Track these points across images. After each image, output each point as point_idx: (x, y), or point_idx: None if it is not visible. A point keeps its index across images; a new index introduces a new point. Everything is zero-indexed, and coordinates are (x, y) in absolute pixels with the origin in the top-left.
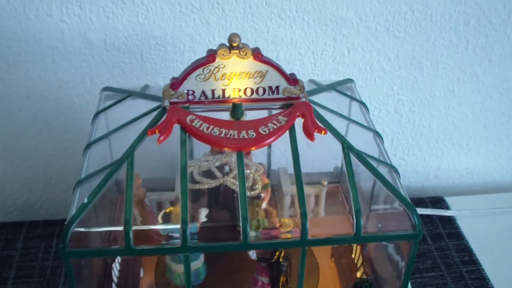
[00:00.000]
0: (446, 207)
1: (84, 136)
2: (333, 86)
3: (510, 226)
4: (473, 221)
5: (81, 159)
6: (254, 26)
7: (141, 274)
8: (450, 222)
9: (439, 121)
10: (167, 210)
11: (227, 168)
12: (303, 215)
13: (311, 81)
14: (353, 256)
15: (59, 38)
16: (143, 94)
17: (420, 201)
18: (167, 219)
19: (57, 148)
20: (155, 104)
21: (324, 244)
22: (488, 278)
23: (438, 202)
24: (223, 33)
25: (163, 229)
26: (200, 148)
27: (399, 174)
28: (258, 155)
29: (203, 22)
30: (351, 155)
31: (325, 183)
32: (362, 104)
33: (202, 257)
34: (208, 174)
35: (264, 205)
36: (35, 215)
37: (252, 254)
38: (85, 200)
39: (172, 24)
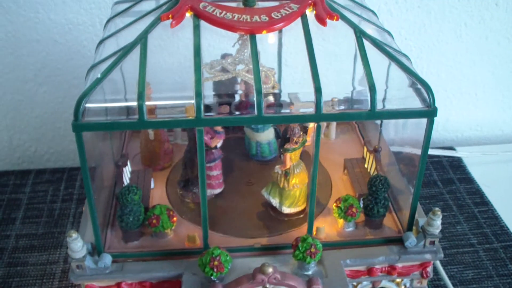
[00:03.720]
0: (457, 155)
1: None
2: None
3: None
4: (483, 167)
5: None
6: None
7: (152, 185)
8: (460, 168)
9: (447, 69)
10: None
11: (240, 65)
12: (318, 90)
13: None
14: (366, 166)
15: None
16: None
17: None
18: None
19: (66, 96)
20: None
21: (338, 119)
22: (500, 217)
23: (448, 150)
24: None
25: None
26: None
27: (411, 62)
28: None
29: None
30: (364, 40)
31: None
32: (372, 12)
33: (272, 130)
34: (221, 71)
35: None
36: (42, 167)
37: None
38: (99, 75)
39: None
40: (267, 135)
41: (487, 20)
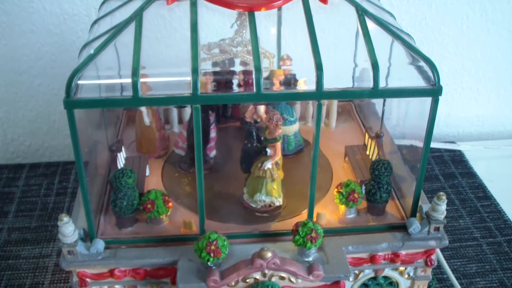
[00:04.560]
0: (458, 148)
1: None
2: None
3: None
4: (486, 162)
5: None
6: None
7: (147, 173)
8: (462, 163)
9: (449, 62)
10: None
11: (239, 48)
12: (319, 67)
13: None
14: (367, 152)
15: None
16: None
17: None
18: None
19: (61, 88)
20: None
21: (340, 97)
22: (503, 211)
23: (450, 143)
24: None
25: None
26: None
27: (414, 41)
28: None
29: None
30: (366, 18)
31: None
32: None
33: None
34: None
35: None
36: (37, 161)
37: None
38: (92, 51)
39: None
40: (295, 127)
41: (489, 12)
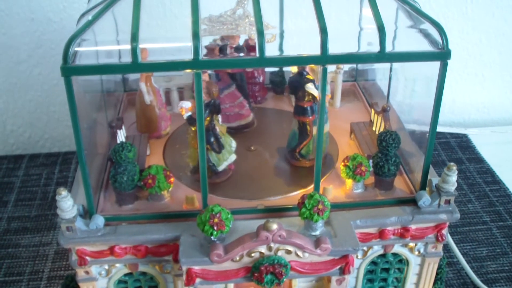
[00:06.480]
0: (464, 135)
1: None
2: None
3: None
4: (493, 147)
5: None
6: None
7: (148, 152)
8: (469, 148)
9: (453, 47)
10: None
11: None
12: (323, 31)
13: None
14: (374, 129)
15: None
16: None
17: None
18: None
19: (61, 78)
20: None
21: (346, 62)
22: None
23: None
24: None
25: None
26: None
27: (420, 6)
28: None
29: None
30: None
31: (341, 66)
32: None
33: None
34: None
35: None
36: (37, 152)
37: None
38: (90, 18)
39: None
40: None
41: None
